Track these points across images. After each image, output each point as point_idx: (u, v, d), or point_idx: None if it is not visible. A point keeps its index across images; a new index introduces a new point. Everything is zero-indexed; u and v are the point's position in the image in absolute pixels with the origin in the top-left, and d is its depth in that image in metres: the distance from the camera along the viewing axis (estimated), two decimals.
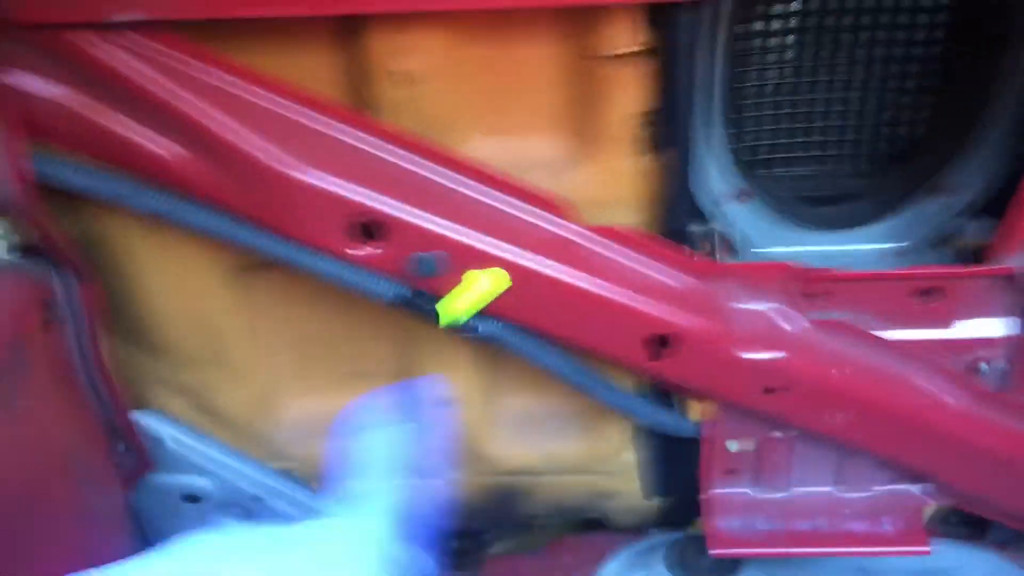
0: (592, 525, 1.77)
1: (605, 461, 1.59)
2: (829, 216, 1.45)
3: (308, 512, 1.60)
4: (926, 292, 1.31)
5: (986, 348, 1.35)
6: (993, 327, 1.34)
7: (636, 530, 1.74)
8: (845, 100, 1.42)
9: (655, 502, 1.67)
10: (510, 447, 1.58)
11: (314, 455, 1.58)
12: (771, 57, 1.37)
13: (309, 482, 1.61)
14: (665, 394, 1.48)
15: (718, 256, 1.32)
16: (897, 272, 1.31)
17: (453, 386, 1.49)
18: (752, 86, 1.38)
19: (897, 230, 1.43)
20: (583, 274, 1.24)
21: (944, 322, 1.34)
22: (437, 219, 1.19)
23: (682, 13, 1.10)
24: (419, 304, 1.24)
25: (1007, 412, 1.38)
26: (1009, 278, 1.28)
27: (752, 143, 1.44)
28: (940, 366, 1.36)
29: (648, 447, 1.59)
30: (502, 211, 1.21)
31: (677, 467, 1.59)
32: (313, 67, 1.19)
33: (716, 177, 1.36)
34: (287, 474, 1.59)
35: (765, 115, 1.42)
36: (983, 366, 1.37)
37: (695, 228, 1.39)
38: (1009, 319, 1.33)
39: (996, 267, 1.27)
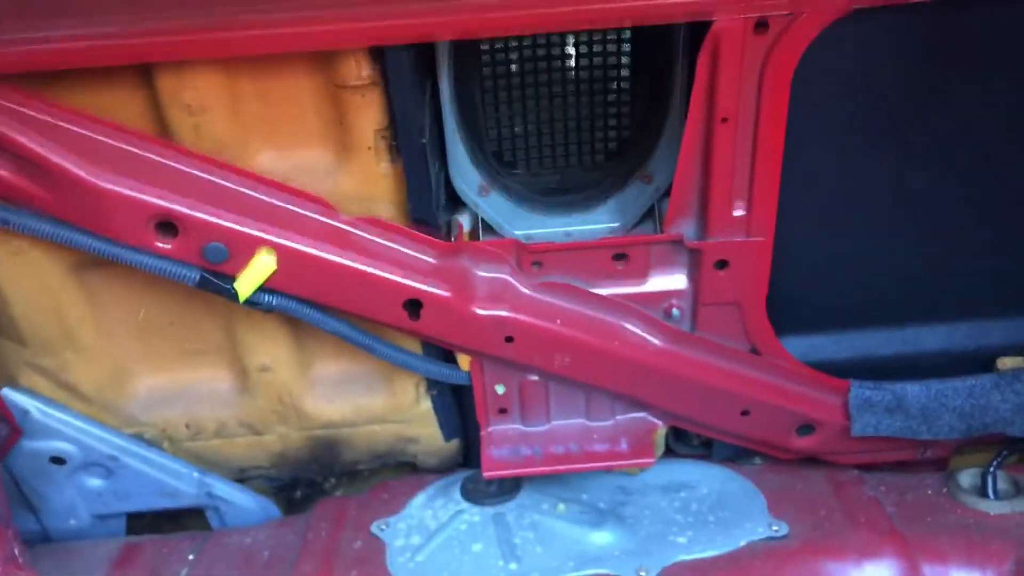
0: (408, 468, 2.13)
1: (405, 411, 1.94)
2: (561, 204, 1.82)
3: (159, 468, 1.94)
4: (620, 256, 1.70)
5: (674, 297, 1.74)
6: (677, 281, 1.73)
7: (443, 470, 2.10)
8: (565, 113, 1.79)
9: (455, 444, 2.03)
10: (325, 404, 1.93)
11: (161, 421, 1.92)
12: (500, 82, 1.74)
13: (159, 444, 1.94)
14: (443, 351, 1.84)
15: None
16: (594, 241, 1.69)
17: (271, 355, 1.84)
18: (484, 102, 1.75)
19: (615, 211, 1.79)
20: (346, 253, 1.60)
21: (638, 279, 1.73)
22: (223, 216, 1.54)
23: (392, 53, 1.47)
24: (218, 285, 1.59)
25: (696, 347, 1.77)
26: (678, 242, 1.67)
27: (490, 148, 1.81)
28: (641, 314, 1.74)
29: (441, 397, 1.95)
30: (276, 207, 1.57)
31: (468, 413, 1.96)
32: (123, 102, 1.53)
33: (465, 174, 1.73)
34: (139, 437, 1.92)
35: (500, 124, 1.78)
36: (675, 312, 1.75)
37: (457, 216, 1.77)
38: (686, 274, 1.72)
39: (666, 235, 1.66)
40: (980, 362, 1.84)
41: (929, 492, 1.87)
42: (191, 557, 1.86)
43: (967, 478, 1.86)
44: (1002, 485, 1.82)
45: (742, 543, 1.77)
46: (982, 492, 1.81)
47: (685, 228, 1.66)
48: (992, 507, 1.78)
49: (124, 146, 1.50)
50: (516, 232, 1.77)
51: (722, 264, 1.65)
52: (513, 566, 1.77)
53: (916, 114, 1.60)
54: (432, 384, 1.91)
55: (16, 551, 1.68)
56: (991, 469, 1.81)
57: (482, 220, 1.78)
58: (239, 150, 1.58)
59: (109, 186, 1.48)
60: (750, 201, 1.57)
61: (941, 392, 1.78)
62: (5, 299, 1.71)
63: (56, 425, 1.83)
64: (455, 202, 1.77)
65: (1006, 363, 1.82)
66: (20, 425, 1.81)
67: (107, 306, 1.78)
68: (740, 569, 1.71)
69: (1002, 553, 1.68)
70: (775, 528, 1.79)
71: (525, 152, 1.83)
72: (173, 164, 1.52)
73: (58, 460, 1.86)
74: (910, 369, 1.83)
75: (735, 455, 2.00)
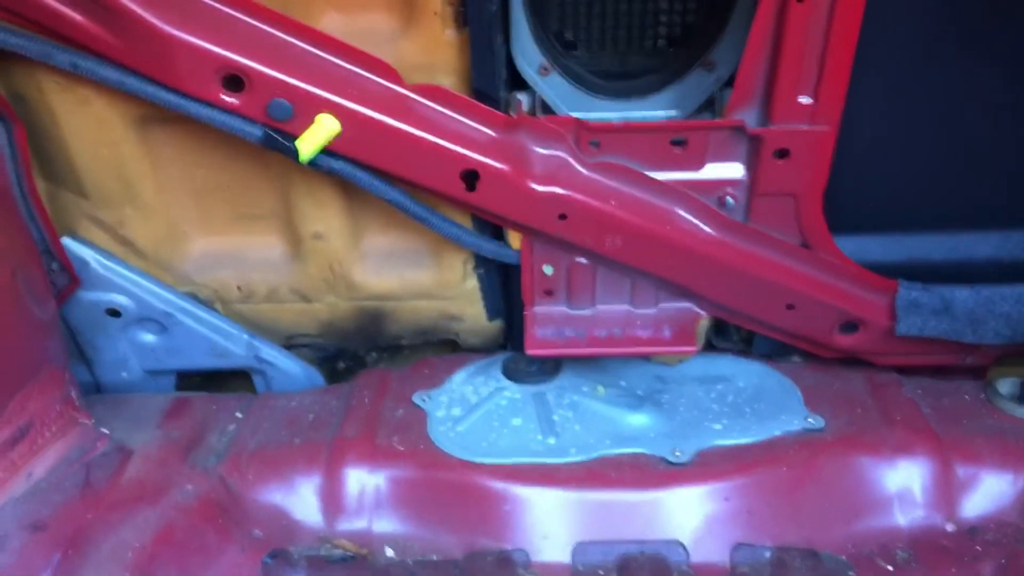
0: (448, 348, 2.17)
1: (450, 287, 1.97)
2: (620, 89, 1.80)
3: (211, 328, 1.98)
4: (678, 141, 1.69)
5: (729, 186, 1.74)
6: (734, 169, 1.73)
7: (484, 350, 2.14)
8: None
9: (497, 324, 2.07)
10: (374, 276, 1.96)
11: (214, 282, 1.96)
12: None
13: (211, 304, 1.99)
14: (494, 229, 1.86)
15: None
16: (653, 124, 1.68)
17: (325, 223, 1.87)
18: None
19: (675, 99, 1.77)
20: (408, 120, 1.61)
21: (695, 166, 1.72)
22: (290, 73, 1.54)
23: None
24: (281, 143, 1.60)
25: (748, 238, 1.77)
26: (740, 129, 1.66)
27: (553, 26, 1.78)
28: (695, 201, 1.75)
29: (487, 276, 1.97)
30: (342, 68, 1.57)
31: (512, 294, 1.98)
32: None
33: (526, 52, 1.72)
34: (193, 296, 1.96)
35: (564, 1, 1.76)
36: (729, 201, 1.75)
37: (518, 94, 1.76)
38: (744, 163, 1.71)
39: (727, 120, 1.65)
40: None
41: (966, 397, 1.89)
42: (239, 415, 1.91)
43: (1006, 386, 1.87)
44: None
45: (777, 433, 1.80)
46: (1020, 400, 1.82)
47: (747, 115, 1.64)
48: None
49: None
50: (575, 115, 1.75)
51: (782, 153, 1.64)
52: (551, 441, 1.81)
53: (997, 14, 1.56)
54: (479, 263, 1.94)
55: (73, 394, 1.74)
56: None
57: (540, 101, 1.77)
58: (303, 9, 1.58)
59: (179, 34, 1.48)
60: (818, 88, 1.55)
61: (990, 298, 1.78)
62: (68, 150, 1.73)
63: (114, 278, 1.87)
64: (515, 83, 1.75)
65: None
66: (79, 275, 1.85)
67: (167, 164, 1.80)
68: (774, 457, 1.75)
69: None
70: (811, 421, 1.82)
71: (587, 32, 1.81)
72: (242, 18, 1.53)
73: (114, 312, 1.91)
74: (959, 276, 1.83)
75: (774, 352, 2.02)
